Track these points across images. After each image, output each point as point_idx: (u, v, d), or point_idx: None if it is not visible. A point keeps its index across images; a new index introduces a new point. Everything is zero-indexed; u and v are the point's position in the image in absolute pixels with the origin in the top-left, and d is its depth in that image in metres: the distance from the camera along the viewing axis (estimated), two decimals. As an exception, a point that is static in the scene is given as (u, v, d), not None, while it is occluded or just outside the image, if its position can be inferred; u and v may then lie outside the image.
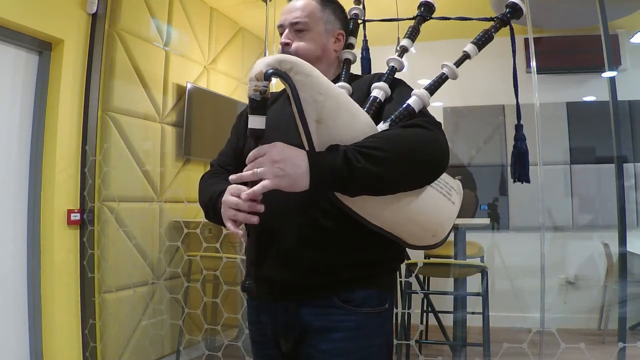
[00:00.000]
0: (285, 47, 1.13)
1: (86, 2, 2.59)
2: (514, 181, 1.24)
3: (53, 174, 2.43)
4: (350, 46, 1.23)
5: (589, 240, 3.71)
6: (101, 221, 2.63)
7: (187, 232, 2.84)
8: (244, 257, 0.99)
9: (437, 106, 4.13)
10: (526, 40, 3.93)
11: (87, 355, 2.53)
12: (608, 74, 2.18)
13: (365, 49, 1.33)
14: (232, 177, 0.91)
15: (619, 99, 2.15)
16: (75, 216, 2.52)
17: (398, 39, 2.92)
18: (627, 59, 3.86)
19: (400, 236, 0.99)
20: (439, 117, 4.07)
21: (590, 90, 3.95)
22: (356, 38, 1.27)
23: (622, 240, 2.02)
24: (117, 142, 2.72)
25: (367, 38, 1.33)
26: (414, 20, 1.21)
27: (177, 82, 3.16)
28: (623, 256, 2.07)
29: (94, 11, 2.60)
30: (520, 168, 1.22)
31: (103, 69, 2.66)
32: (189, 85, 3.17)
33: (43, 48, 2.45)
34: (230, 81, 3.74)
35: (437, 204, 0.99)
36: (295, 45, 1.13)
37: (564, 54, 3.91)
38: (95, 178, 2.63)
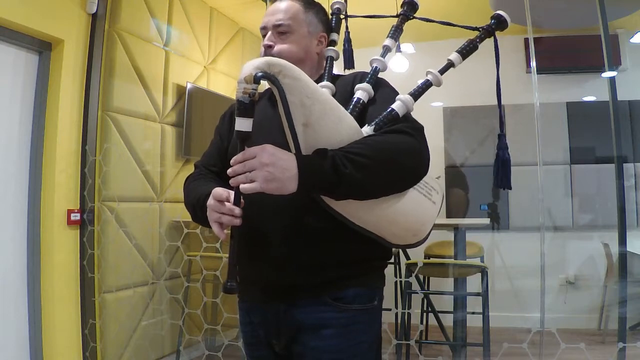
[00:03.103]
0: (268, 50, 1.13)
1: (86, 2, 2.59)
2: (496, 187, 1.29)
3: (53, 174, 2.43)
4: (333, 43, 1.23)
5: (589, 240, 3.71)
6: (101, 221, 2.63)
7: (187, 232, 2.84)
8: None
9: (436, 106, 4.13)
10: (526, 40, 3.94)
11: (87, 355, 2.53)
12: (608, 74, 2.18)
13: (348, 41, 1.35)
14: (229, 170, 0.91)
15: (619, 99, 2.15)
16: (75, 216, 2.52)
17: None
18: (627, 59, 3.86)
19: (383, 236, 1.01)
20: (438, 117, 4.11)
21: (590, 90, 3.95)
22: (339, 34, 1.26)
23: (622, 240, 2.02)
24: (117, 142, 2.72)
25: (349, 30, 1.34)
26: (398, 19, 1.22)
27: (177, 82, 3.16)
28: (623, 256, 2.07)
29: (94, 11, 2.60)
30: (503, 175, 1.27)
31: (103, 69, 2.66)
32: (189, 85, 3.17)
33: (43, 48, 2.45)
34: (230, 81, 3.74)
35: (419, 204, 1.02)
36: (278, 47, 1.13)
37: (564, 54, 3.91)
38: (95, 178, 2.63)
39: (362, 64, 1.34)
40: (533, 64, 2.32)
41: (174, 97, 3.15)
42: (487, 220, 3.47)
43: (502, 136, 1.30)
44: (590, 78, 3.93)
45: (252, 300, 1.11)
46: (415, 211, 1.01)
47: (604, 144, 3.59)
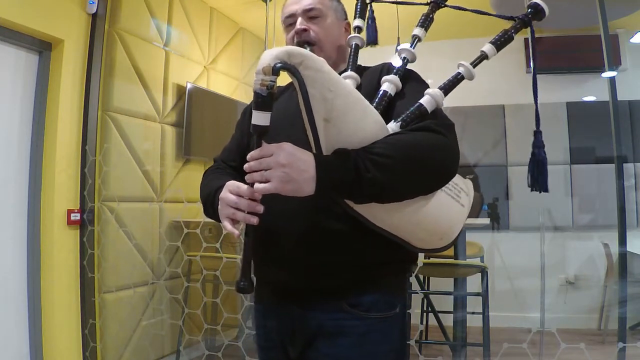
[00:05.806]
0: (304, 34, 1.07)
1: (86, 2, 2.58)
2: (532, 190, 1.16)
3: (53, 174, 2.43)
4: (358, 30, 1.15)
5: (589, 240, 3.71)
6: (101, 221, 2.63)
7: (187, 232, 2.84)
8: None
9: (437, 106, 4.13)
10: (526, 40, 3.94)
11: (87, 355, 2.53)
12: (608, 74, 2.18)
13: (372, 18, 1.24)
14: (246, 166, 0.87)
15: (619, 99, 2.15)
16: (75, 216, 2.52)
17: (398, 39, 2.92)
18: (627, 59, 3.86)
19: (408, 239, 0.95)
20: (439, 117, 4.11)
21: (590, 90, 3.95)
22: (364, 20, 1.20)
23: (622, 240, 2.01)
24: (117, 142, 2.72)
25: (373, 8, 1.24)
26: (428, 7, 1.13)
27: (177, 82, 3.16)
28: (623, 256, 2.07)
29: (94, 11, 2.60)
30: (539, 176, 1.14)
31: (103, 69, 2.66)
32: (189, 85, 3.17)
33: (43, 48, 2.45)
34: (230, 81, 3.74)
35: (446, 207, 0.95)
36: (315, 30, 1.07)
37: (564, 54, 3.91)
38: (95, 178, 2.62)
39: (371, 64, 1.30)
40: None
41: (174, 97, 3.15)
42: (487, 220, 3.47)
43: (538, 133, 1.15)
44: (590, 78, 3.93)
45: (268, 302, 1.07)
46: (442, 214, 0.94)
47: (604, 144, 3.59)
